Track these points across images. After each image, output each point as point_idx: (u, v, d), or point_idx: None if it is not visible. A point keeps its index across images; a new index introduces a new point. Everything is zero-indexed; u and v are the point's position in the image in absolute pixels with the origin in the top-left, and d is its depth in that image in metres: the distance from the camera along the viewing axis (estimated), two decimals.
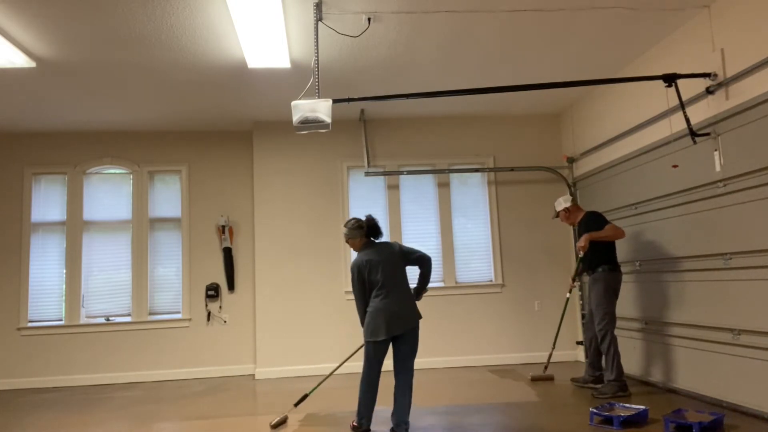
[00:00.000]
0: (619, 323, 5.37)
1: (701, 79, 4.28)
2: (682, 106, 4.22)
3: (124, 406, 5.07)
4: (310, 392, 4.49)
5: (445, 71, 5.27)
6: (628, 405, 4.02)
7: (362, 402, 3.71)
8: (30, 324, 6.34)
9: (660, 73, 4.76)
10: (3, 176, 6.53)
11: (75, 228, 6.52)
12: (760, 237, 3.77)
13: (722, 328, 4.16)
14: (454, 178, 6.73)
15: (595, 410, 3.88)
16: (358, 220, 3.88)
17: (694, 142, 4.17)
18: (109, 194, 6.67)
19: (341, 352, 6.31)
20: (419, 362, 6.26)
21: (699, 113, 4.35)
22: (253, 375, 6.41)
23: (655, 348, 4.98)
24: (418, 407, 4.55)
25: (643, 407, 3.89)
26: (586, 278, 5.84)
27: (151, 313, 6.53)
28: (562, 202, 5.23)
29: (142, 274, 6.51)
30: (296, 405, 4.43)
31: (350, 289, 6.39)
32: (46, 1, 3.74)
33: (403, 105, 6.21)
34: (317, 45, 4.08)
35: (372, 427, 3.91)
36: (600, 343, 4.78)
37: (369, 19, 4.17)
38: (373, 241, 3.89)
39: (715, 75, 4.13)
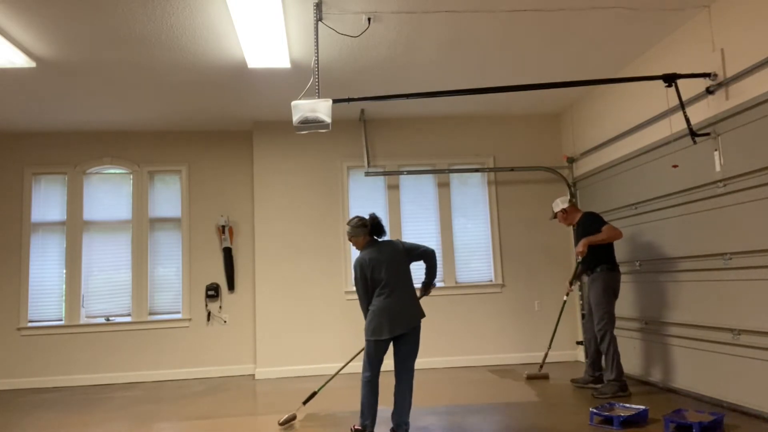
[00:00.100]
0: (618, 323, 5.37)
1: (701, 79, 4.27)
2: (682, 106, 4.22)
3: (124, 406, 5.07)
4: (319, 390, 4.48)
5: (445, 71, 5.27)
6: (628, 405, 4.02)
7: (365, 404, 3.66)
8: (30, 324, 6.34)
9: (660, 73, 4.76)
10: (3, 176, 6.53)
11: (75, 228, 6.52)
12: (759, 237, 3.77)
13: (722, 328, 4.16)
14: (454, 178, 6.73)
15: (595, 410, 3.88)
16: (361, 219, 3.86)
17: (694, 142, 4.17)
18: (109, 194, 6.67)
19: (341, 352, 6.31)
20: (419, 362, 6.26)
21: (699, 113, 4.35)
22: (253, 375, 6.41)
23: (655, 348, 4.99)
24: (418, 407, 4.55)
25: (643, 407, 3.89)
26: (585, 278, 5.83)
27: (151, 313, 6.53)
28: (560, 204, 5.23)
29: (142, 274, 6.51)
30: (305, 403, 4.42)
31: (350, 289, 6.40)
32: (46, 1, 3.74)
33: (403, 105, 6.21)
34: (317, 45, 4.08)
35: None
36: (599, 342, 4.79)
37: (369, 19, 4.17)
38: (377, 240, 3.87)
39: (715, 75, 4.13)
